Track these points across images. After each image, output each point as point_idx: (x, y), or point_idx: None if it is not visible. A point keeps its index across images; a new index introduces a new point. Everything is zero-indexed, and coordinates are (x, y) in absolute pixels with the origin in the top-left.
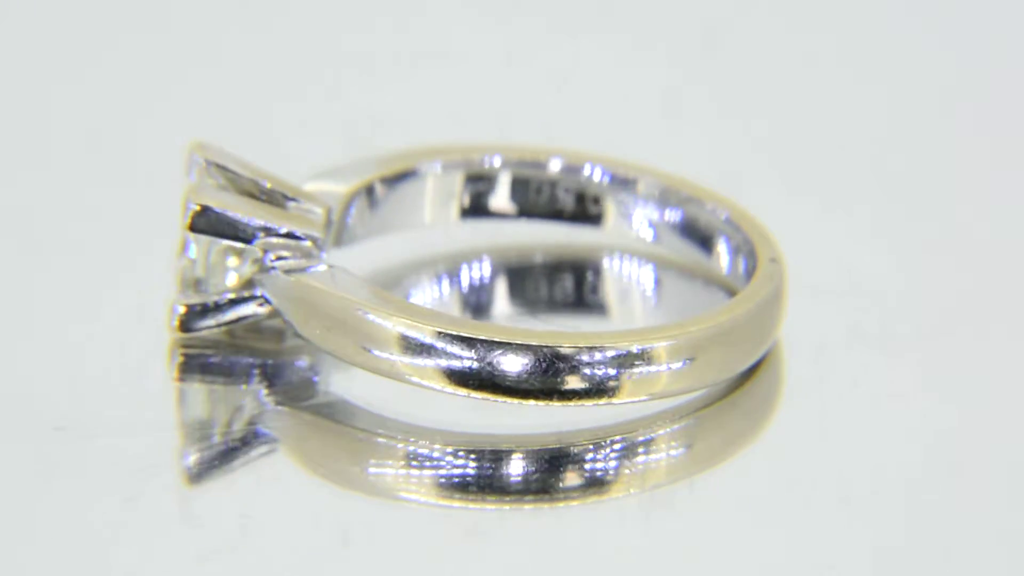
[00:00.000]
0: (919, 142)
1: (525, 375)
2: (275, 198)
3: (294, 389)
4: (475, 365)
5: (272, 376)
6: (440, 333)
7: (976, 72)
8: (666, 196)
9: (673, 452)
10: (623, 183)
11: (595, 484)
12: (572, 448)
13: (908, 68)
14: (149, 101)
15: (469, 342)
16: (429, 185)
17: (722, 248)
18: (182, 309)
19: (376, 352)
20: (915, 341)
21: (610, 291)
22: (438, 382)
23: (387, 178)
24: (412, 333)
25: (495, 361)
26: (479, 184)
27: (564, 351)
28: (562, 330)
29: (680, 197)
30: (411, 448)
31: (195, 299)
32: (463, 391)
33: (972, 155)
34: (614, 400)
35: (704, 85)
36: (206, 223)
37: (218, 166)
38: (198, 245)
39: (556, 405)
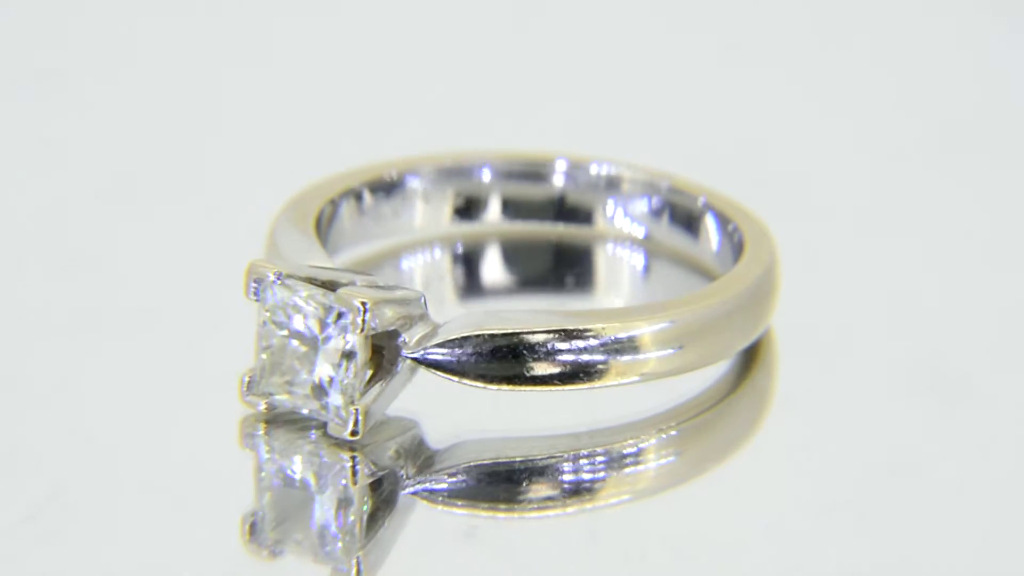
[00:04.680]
0: None
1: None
2: (354, 280)
3: (413, 456)
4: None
5: (395, 452)
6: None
7: None
8: (650, 189)
9: (663, 460)
10: (609, 181)
11: (582, 492)
12: (556, 457)
13: None
14: None
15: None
16: (418, 195)
17: (711, 235)
18: (360, 416)
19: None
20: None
21: (600, 272)
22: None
23: (376, 187)
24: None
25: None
26: (468, 193)
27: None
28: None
29: (664, 189)
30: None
31: (365, 400)
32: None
33: None
34: (597, 384)
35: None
36: (378, 322)
37: (300, 278)
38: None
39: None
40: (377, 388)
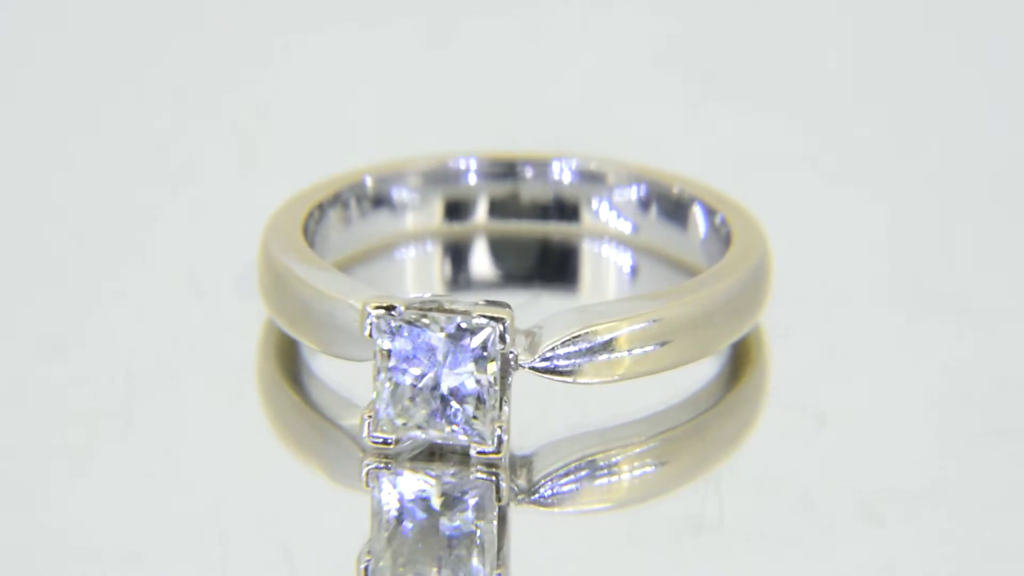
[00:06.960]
0: None
1: None
2: (441, 302)
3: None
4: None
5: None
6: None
7: None
8: (636, 182)
9: (648, 469)
10: (593, 178)
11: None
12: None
13: None
14: None
15: None
16: (406, 201)
17: (698, 225)
18: (506, 434)
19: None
20: None
21: (586, 267)
22: None
23: (361, 195)
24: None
25: None
26: (455, 196)
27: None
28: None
29: (650, 182)
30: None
31: (503, 417)
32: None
33: None
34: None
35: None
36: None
37: (419, 308)
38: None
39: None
40: (506, 405)
